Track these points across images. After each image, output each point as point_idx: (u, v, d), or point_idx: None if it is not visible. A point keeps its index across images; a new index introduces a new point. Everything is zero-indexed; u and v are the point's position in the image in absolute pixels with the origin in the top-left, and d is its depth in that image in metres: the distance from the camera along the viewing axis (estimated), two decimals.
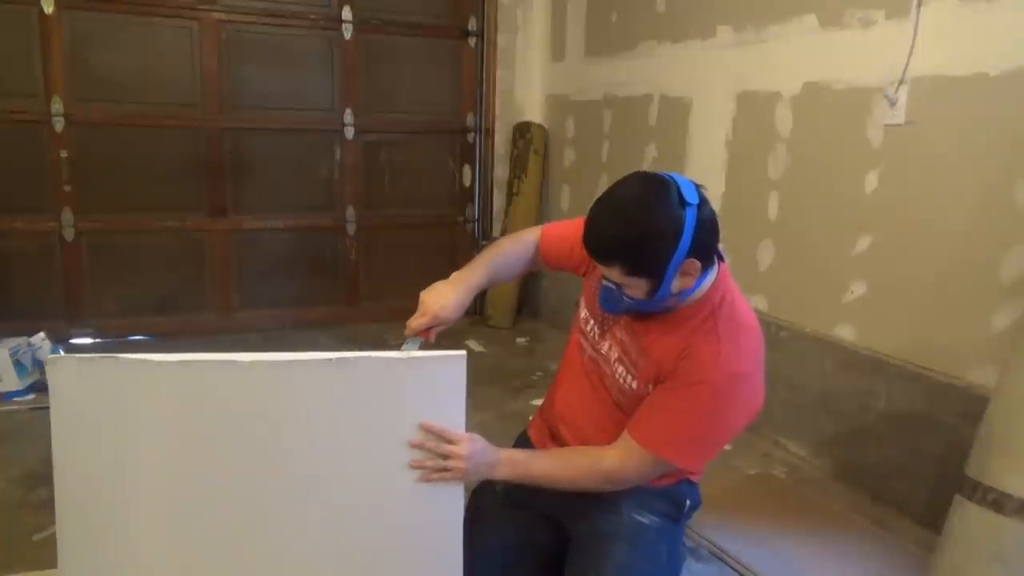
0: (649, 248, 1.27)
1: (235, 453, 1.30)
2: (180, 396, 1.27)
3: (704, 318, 1.38)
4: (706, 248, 1.32)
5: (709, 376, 1.34)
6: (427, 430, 1.32)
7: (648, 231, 1.27)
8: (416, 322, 1.48)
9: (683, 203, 1.27)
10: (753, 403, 1.39)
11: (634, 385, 1.44)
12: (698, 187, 1.31)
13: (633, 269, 1.30)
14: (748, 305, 1.45)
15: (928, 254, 2.32)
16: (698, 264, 1.31)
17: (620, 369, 1.47)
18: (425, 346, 1.44)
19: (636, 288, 1.33)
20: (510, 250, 1.67)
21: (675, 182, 1.29)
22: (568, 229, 1.63)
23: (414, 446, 1.32)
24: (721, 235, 1.38)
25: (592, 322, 1.55)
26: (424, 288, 1.53)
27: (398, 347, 1.41)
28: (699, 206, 1.28)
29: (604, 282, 1.38)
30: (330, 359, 1.28)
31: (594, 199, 1.35)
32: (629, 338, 1.45)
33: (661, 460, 1.39)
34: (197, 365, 1.27)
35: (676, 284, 1.32)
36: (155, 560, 1.32)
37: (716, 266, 1.39)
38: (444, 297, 1.50)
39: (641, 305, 1.37)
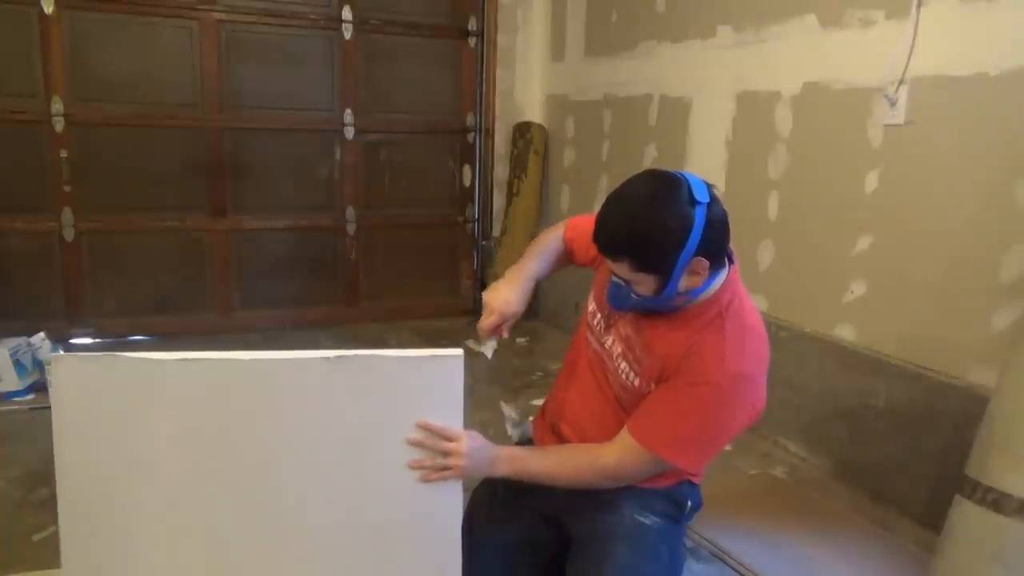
0: (657, 245, 1.28)
1: (235, 451, 1.31)
2: (181, 394, 1.28)
3: (711, 318, 1.38)
4: (716, 247, 1.32)
5: (712, 377, 1.34)
6: (426, 428, 1.33)
7: (656, 228, 1.27)
8: (486, 322, 1.54)
9: (693, 201, 1.27)
10: (754, 406, 1.39)
11: (636, 382, 1.44)
12: (709, 186, 1.32)
13: (641, 265, 1.31)
14: (755, 309, 1.45)
15: (928, 254, 2.32)
16: (707, 263, 1.31)
17: (623, 365, 1.47)
18: (500, 342, 1.54)
19: (644, 285, 1.34)
20: (549, 243, 1.72)
21: (686, 180, 1.29)
22: (587, 224, 1.64)
23: (413, 444, 1.33)
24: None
25: (599, 316, 1.55)
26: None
27: (399, 347, 1.41)
28: (709, 205, 1.28)
29: (613, 278, 1.38)
30: (328, 358, 1.29)
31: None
32: (634, 334, 1.45)
33: (659, 459, 1.39)
34: (198, 363, 1.28)
35: (684, 283, 1.32)
36: (157, 557, 1.32)
37: (727, 268, 1.39)
38: (507, 293, 1.57)
39: (648, 302, 1.37)
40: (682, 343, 1.38)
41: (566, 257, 1.73)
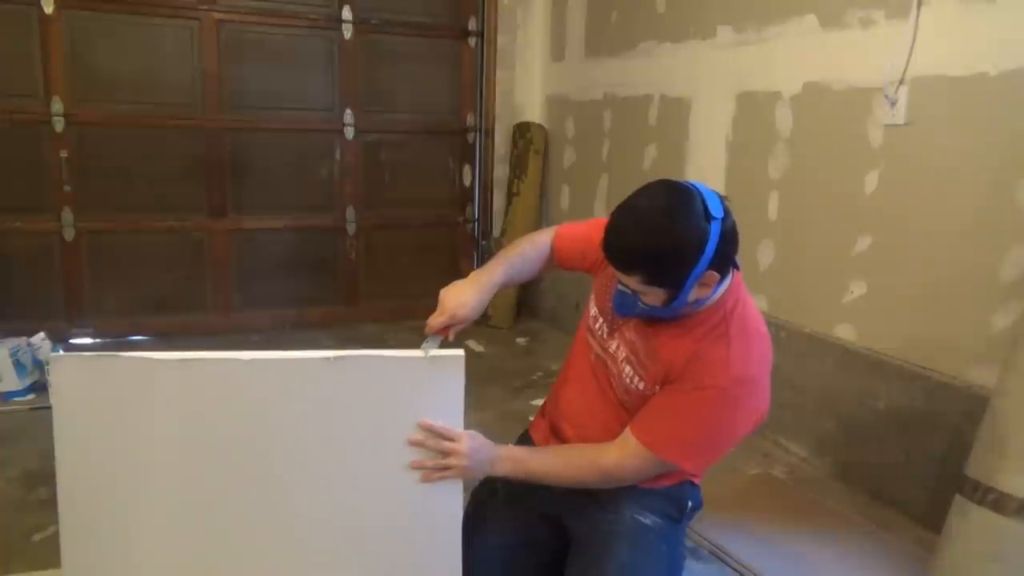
0: (672, 261, 1.27)
1: (235, 451, 1.31)
2: (180, 394, 1.28)
3: (716, 323, 1.38)
4: (726, 261, 1.32)
5: (718, 381, 1.34)
6: (426, 428, 1.33)
7: (673, 244, 1.26)
8: (435, 321, 1.47)
9: (708, 216, 1.26)
10: (758, 409, 1.39)
11: (641, 386, 1.44)
12: (722, 199, 1.31)
13: (653, 280, 1.30)
14: (759, 312, 1.45)
15: (928, 254, 2.32)
16: (717, 276, 1.32)
17: (628, 369, 1.46)
18: (444, 344, 1.44)
19: (653, 296, 1.33)
20: (527, 250, 1.66)
21: (700, 193, 1.28)
22: (582, 230, 1.64)
23: (414, 443, 1.33)
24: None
25: (601, 320, 1.55)
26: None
27: (398, 347, 1.41)
28: (723, 219, 1.28)
29: (619, 287, 1.38)
30: (328, 358, 1.29)
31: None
32: (639, 339, 1.45)
33: (662, 460, 1.39)
34: (197, 363, 1.28)
35: (693, 294, 1.32)
36: (157, 556, 1.33)
37: (731, 274, 1.39)
38: (463, 295, 1.48)
39: (655, 311, 1.37)
40: (687, 348, 1.38)
41: (547, 265, 1.68)
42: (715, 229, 1.26)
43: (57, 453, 1.27)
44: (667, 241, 1.26)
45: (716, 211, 1.27)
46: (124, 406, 1.27)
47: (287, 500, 1.33)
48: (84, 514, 1.29)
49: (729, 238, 1.30)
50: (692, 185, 1.30)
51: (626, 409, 1.48)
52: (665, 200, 1.29)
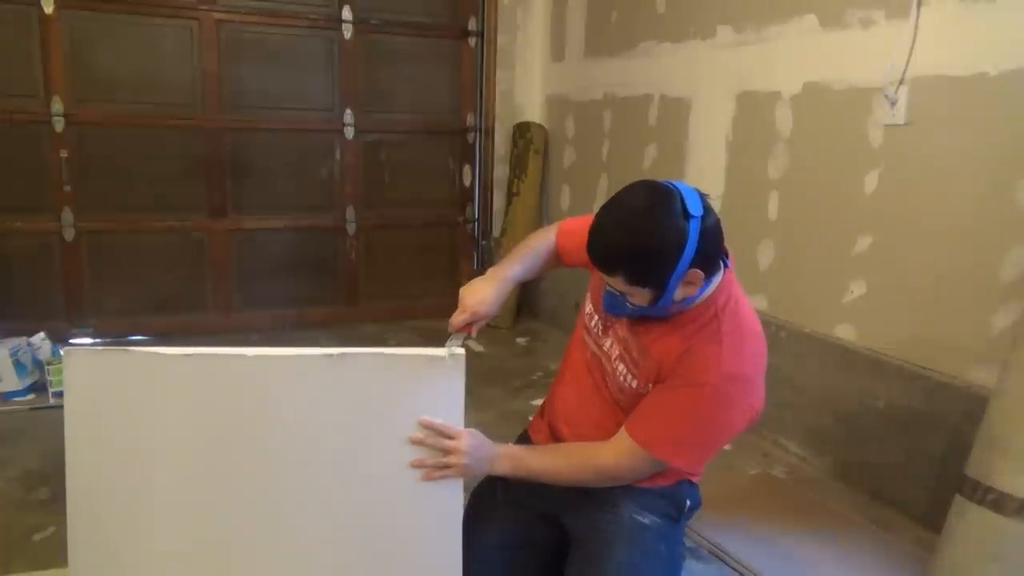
0: (652, 261, 1.28)
1: (238, 446, 1.32)
2: (188, 389, 1.30)
3: (707, 321, 1.38)
4: (710, 258, 1.32)
5: (710, 378, 1.34)
6: (426, 426, 1.33)
7: (651, 244, 1.27)
8: (457, 319, 1.50)
9: (687, 215, 1.27)
10: (752, 407, 1.39)
11: (634, 384, 1.44)
12: (703, 196, 1.31)
13: (636, 280, 1.31)
14: (753, 311, 1.45)
15: (928, 254, 2.32)
16: (701, 274, 1.32)
17: (621, 367, 1.47)
18: (467, 341, 1.48)
19: (639, 296, 1.34)
20: (538, 245, 1.69)
21: (680, 193, 1.29)
22: (580, 226, 1.64)
23: (414, 442, 1.34)
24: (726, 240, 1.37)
25: (596, 318, 1.56)
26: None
27: (399, 346, 1.41)
28: (703, 217, 1.28)
29: (608, 288, 1.38)
30: (331, 354, 1.30)
31: (594, 199, 1.36)
32: (631, 336, 1.46)
33: (656, 459, 1.40)
34: (204, 358, 1.30)
35: (679, 293, 1.33)
36: (163, 552, 1.33)
37: (721, 271, 1.39)
38: (482, 293, 1.52)
39: (644, 311, 1.38)
40: (678, 345, 1.38)
41: (555, 260, 1.71)
42: (694, 227, 1.27)
43: (67, 443, 1.29)
44: (645, 241, 1.27)
45: (695, 209, 1.27)
46: (133, 399, 1.29)
47: (289, 497, 1.34)
48: (92, 505, 1.31)
49: (710, 236, 1.30)
50: (672, 184, 1.31)
51: (621, 408, 1.48)
52: (644, 201, 1.30)
